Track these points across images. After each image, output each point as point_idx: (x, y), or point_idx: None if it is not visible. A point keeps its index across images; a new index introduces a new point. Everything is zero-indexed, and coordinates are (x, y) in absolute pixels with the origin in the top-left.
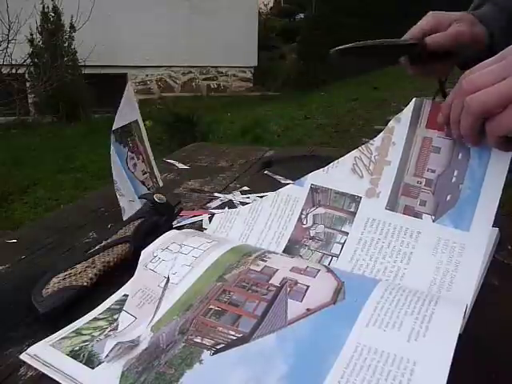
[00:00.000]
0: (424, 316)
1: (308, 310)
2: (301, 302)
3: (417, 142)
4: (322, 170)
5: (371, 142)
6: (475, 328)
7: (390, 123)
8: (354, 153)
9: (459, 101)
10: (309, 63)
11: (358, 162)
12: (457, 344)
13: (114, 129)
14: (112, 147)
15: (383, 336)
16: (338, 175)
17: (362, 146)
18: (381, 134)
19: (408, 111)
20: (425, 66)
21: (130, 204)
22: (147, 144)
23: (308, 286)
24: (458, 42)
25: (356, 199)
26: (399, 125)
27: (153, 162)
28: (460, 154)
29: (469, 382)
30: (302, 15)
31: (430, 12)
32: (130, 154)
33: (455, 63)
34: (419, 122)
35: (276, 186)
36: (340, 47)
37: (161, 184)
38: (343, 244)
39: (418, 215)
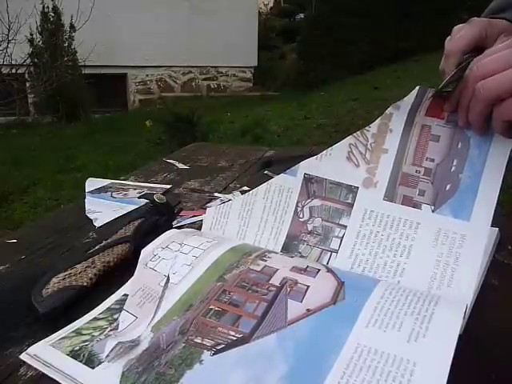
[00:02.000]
0: (424, 316)
1: (308, 310)
2: (301, 302)
3: (415, 130)
4: (314, 157)
5: (367, 128)
6: (475, 328)
7: (389, 109)
8: (349, 139)
9: (470, 86)
10: (309, 63)
11: (354, 150)
12: (457, 344)
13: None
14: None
15: (383, 336)
16: (332, 164)
17: (358, 132)
18: (377, 119)
19: (410, 98)
20: None
21: (105, 213)
22: None
23: (308, 286)
24: None
25: (353, 189)
26: (398, 111)
27: None
28: (460, 143)
29: (469, 382)
30: (302, 15)
31: (474, 19)
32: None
33: None
34: (419, 110)
35: None
36: None
37: None
38: (342, 238)
39: (417, 205)
